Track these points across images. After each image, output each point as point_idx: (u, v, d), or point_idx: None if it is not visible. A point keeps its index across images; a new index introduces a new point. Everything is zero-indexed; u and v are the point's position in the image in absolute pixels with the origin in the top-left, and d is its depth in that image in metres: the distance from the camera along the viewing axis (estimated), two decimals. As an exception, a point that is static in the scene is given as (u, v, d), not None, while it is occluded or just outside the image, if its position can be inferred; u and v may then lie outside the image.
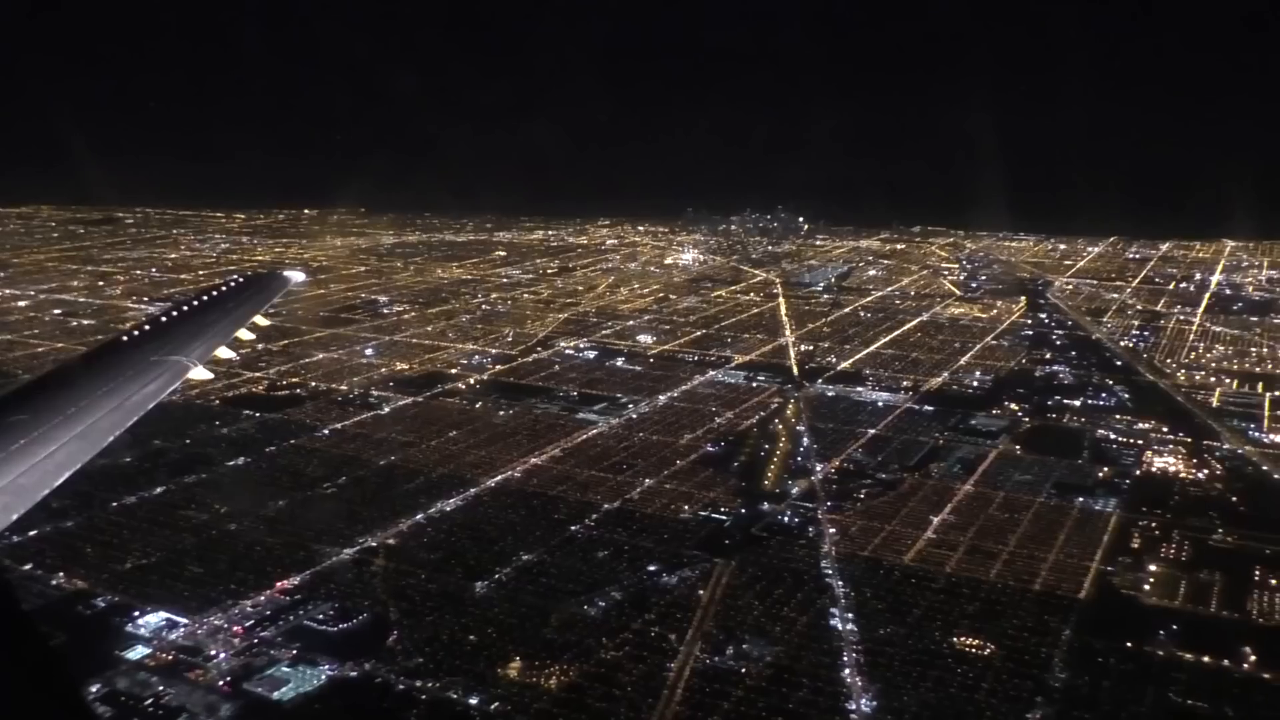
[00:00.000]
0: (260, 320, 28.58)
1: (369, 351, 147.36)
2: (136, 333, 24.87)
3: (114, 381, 20.44)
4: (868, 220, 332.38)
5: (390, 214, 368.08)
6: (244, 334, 26.91)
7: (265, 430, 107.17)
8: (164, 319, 26.19)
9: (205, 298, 28.67)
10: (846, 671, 60.84)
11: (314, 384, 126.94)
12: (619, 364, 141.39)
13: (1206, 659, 62.81)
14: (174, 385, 21.58)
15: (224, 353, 25.19)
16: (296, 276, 35.37)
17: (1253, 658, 62.75)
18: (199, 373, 22.97)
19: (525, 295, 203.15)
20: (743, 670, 61.07)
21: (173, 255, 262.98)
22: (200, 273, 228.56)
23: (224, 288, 30.21)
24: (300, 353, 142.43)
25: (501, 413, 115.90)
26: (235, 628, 65.72)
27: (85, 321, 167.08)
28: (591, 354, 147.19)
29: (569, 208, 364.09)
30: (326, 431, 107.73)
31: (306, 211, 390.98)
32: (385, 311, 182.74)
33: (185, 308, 27.39)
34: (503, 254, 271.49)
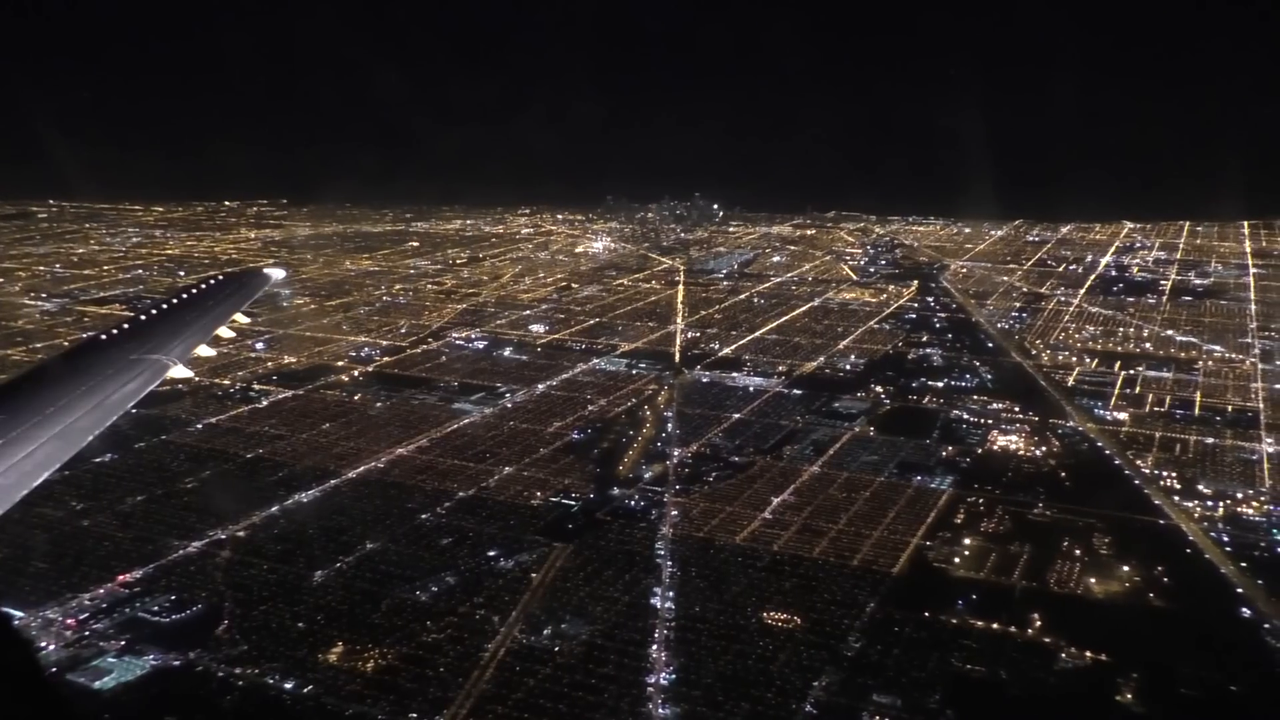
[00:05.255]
0: (240, 318, 28.78)
1: (259, 345, 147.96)
2: (116, 331, 24.94)
3: (93, 381, 20.67)
4: (782, 206, 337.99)
5: (310, 205, 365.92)
6: (224, 332, 27.25)
7: (137, 426, 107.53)
8: (144, 317, 26.52)
9: (185, 296, 28.83)
10: (654, 648, 64.06)
11: (196, 379, 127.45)
12: (506, 354, 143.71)
13: (995, 626, 66.99)
14: (154, 384, 21.94)
15: (204, 351, 25.54)
16: (277, 274, 35.56)
17: (1038, 623, 67.03)
18: (179, 371, 23.14)
19: (429, 286, 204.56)
20: (556, 649, 64.06)
21: (80, 250, 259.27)
22: (105, 268, 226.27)
23: (204, 286, 30.26)
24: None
25: (379, 404, 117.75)
26: (69, 620, 67.38)
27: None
28: (481, 344, 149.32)
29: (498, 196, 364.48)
30: (200, 426, 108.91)
31: (226, 203, 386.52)
32: (284, 305, 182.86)
33: (165, 306, 27.61)
34: (415, 245, 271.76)
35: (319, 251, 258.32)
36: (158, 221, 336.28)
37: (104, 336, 24.68)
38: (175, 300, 28.20)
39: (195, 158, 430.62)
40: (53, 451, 17.61)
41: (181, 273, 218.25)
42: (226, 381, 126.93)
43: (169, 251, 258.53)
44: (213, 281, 30.76)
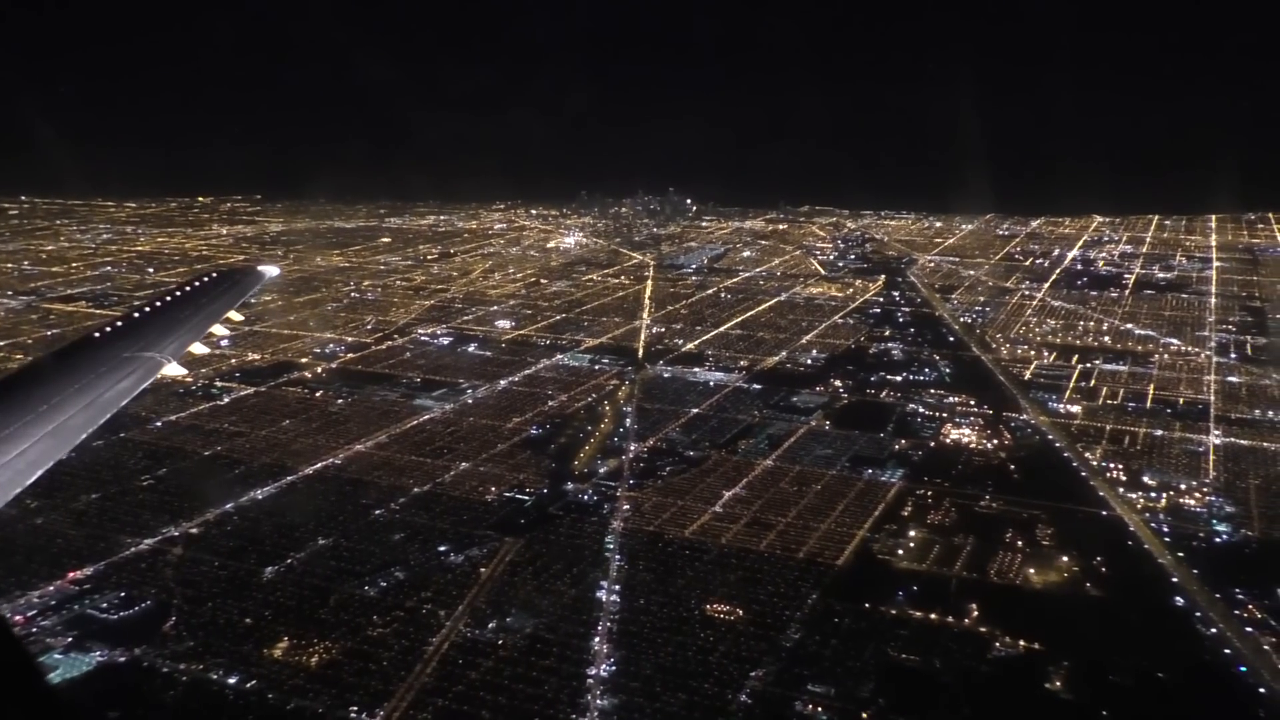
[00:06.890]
0: (234, 315, 29.03)
1: (224, 342, 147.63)
2: (109, 329, 24.92)
3: (86, 378, 20.76)
4: (755, 200, 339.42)
5: (284, 201, 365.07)
6: (218, 329, 27.38)
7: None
8: (137, 315, 26.51)
9: (179, 293, 28.84)
10: (597, 640, 64.94)
11: (159, 375, 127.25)
12: (471, 350, 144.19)
13: (933, 616, 68.16)
14: (147, 382, 22.05)
15: (198, 348, 25.71)
16: (271, 271, 35.64)
17: (975, 614, 68.23)
18: (173, 369, 23.36)
19: (398, 282, 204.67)
20: (500, 642, 64.89)
21: (50, 247, 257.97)
22: (74, 265, 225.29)
23: (197, 283, 30.20)
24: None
25: (340, 401, 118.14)
26: (16, 617, 67.66)
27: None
28: (446, 340, 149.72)
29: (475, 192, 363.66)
30: (159, 424, 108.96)
31: (200, 199, 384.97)
32: (252, 301, 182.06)
33: (159, 303, 27.60)
34: (387, 240, 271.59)
35: (290, 247, 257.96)
36: (130, 217, 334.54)
37: (97, 334, 24.67)
38: (169, 297, 28.16)
39: (172, 153, 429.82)
40: (46, 450, 17.72)
41: (150, 269, 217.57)
42: (189, 378, 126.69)
43: (140, 248, 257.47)
44: (206, 279, 30.71)
